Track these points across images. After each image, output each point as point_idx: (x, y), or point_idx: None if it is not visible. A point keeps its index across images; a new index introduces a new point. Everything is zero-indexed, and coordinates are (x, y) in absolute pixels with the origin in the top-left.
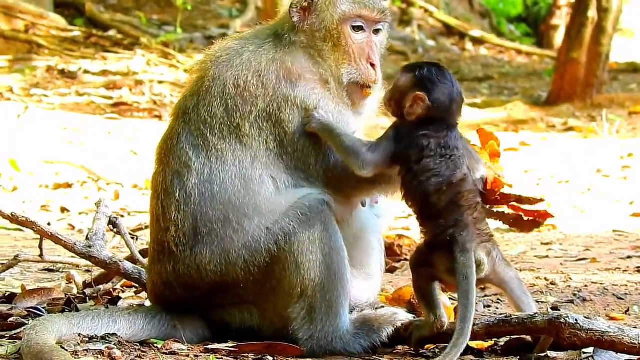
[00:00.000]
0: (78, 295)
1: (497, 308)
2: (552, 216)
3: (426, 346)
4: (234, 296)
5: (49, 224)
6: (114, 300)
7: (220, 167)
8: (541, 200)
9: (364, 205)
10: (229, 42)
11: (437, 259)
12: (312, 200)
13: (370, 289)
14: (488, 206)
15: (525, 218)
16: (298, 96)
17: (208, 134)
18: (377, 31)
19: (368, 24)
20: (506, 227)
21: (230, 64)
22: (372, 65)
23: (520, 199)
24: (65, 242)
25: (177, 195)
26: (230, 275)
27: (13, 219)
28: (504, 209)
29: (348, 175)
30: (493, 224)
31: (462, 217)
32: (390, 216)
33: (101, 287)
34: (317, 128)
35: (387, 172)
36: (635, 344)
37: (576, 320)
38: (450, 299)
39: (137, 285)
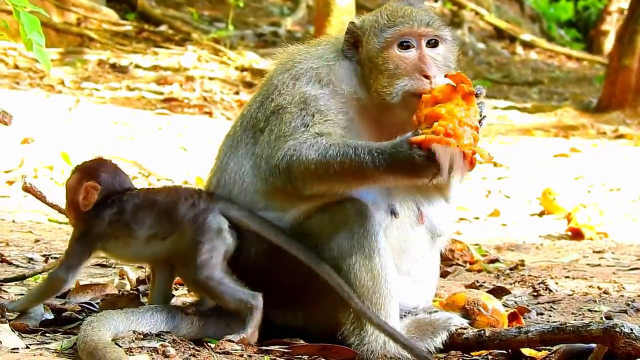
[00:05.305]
0: (131, 291)
1: (550, 316)
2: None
3: (476, 352)
4: (278, 298)
5: None
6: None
7: (233, 156)
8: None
9: (395, 216)
10: (294, 51)
11: None
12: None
13: (417, 294)
14: None
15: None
16: (312, 94)
17: (238, 125)
18: (432, 45)
19: (416, 40)
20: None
21: (284, 69)
22: (426, 76)
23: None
24: None
25: (213, 184)
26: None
27: None
28: None
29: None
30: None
31: None
32: (449, 233)
33: None
34: None
35: None
36: None
37: (631, 329)
38: (504, 305)
39: None
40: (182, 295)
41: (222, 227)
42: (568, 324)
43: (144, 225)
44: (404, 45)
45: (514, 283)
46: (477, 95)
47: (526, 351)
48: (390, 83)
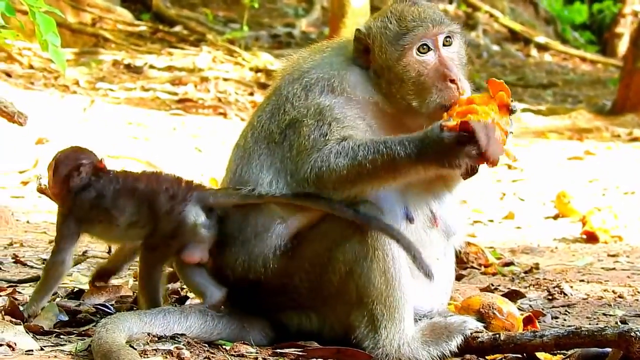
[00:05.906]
0: None
1: (565, 320)
2: None
3: (491, 356)
4: (292, 300)
5: None
6: (182, 300)
7: (246, 168)
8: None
9: (411, 222)
10: (300, 59)
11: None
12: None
13: (432, 298)
14: None
15: None
16: (326, 104)
17: (249, 136)
18: (447, 43)
19: (433, 41)
20: None
21: (292, 79)
22: (452, 81)
23: None
24: None
25: None
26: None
27: None
28: None
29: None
30: None
31: None
32: (462, 232)
33: (169, 286)
34: None
35: None
36: None
37: None
38: (519, 309)
39: None
40: (196, 297)
41: (197, 221)
42: (583, 328)
43: (124, 212)
44: (422, 49)
45: (528, 286)
46: (511, 112)
47: (541, 355)
48: (418, 94)
